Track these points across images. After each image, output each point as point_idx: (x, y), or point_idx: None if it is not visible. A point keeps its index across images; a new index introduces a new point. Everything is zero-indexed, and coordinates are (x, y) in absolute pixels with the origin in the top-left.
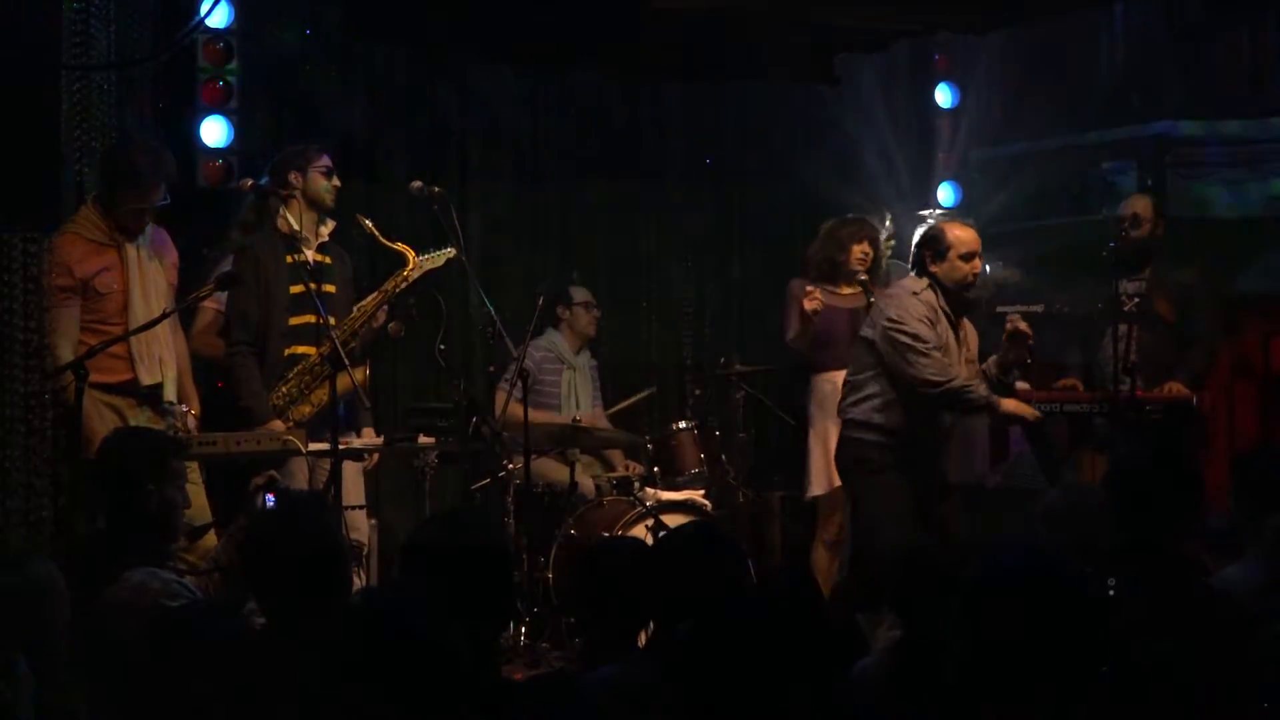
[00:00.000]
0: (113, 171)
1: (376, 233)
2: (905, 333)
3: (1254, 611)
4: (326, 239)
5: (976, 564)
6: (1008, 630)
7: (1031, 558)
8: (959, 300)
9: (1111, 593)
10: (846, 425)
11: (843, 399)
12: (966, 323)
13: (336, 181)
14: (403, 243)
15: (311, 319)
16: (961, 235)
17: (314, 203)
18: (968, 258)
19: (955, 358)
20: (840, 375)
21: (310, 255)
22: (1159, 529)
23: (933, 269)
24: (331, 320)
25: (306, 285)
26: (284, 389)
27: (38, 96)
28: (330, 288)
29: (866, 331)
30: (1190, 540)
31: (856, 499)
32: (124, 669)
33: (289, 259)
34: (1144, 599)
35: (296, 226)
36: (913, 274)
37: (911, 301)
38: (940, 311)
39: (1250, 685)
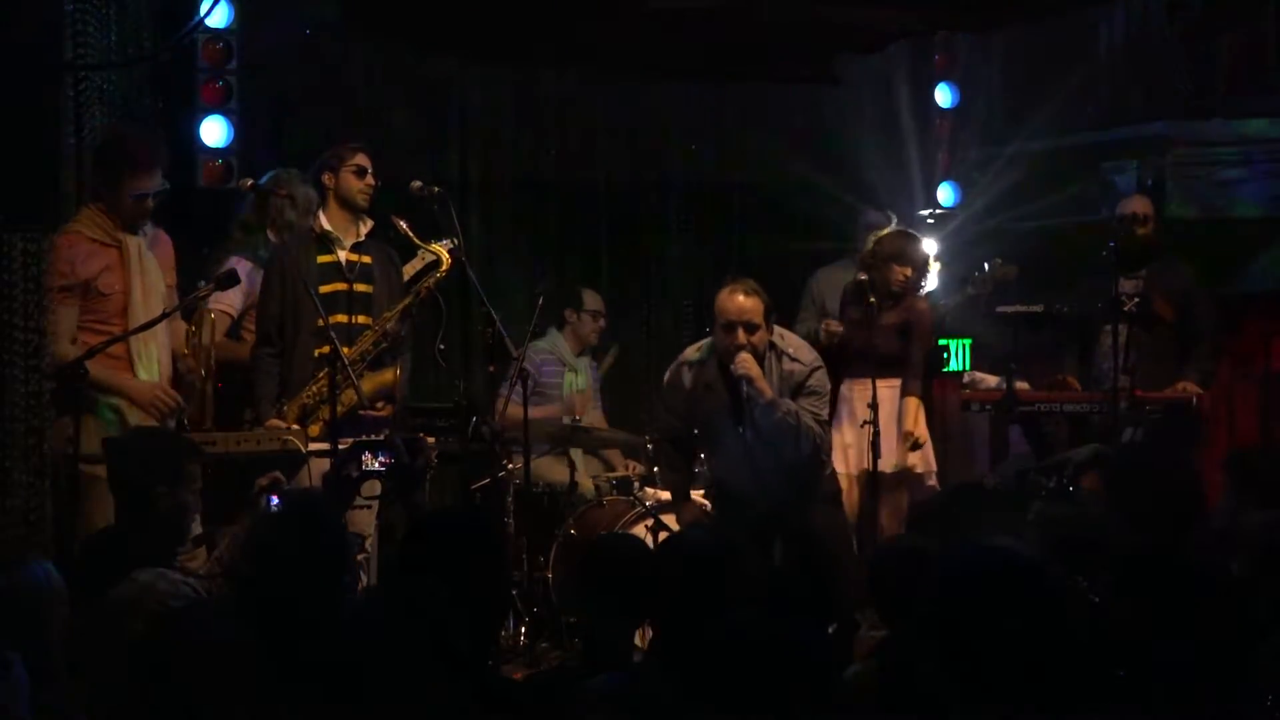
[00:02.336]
0: (111, 158)
1: (411, 234)
2: None
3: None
4: (363, 238)
5: (939, 565)
6: (971, 630)
7: (991, 557)
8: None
9: (1096, 599)
10: None
11: None
12: (772, 377)
13: (370, 180)
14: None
15: (344, 319)
16: (724, 304)
17: (346, 203)
18: (726, 329)
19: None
20: (863, 384)
21: (344, 255)
22: (1159, 531)
23: (713, 337)
24: (365, 319)
25: (350, 285)
26: (313, 388)
27: (38, 96)
28: (366, 287)
29: None
30: (1192, 541)
31: None
32: (128, 669)
33: (320, 259)
34: (1145, 601)
35: (329, 227)
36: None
37: (673, 367)
38: (702, 386)
39: (1250, 687)
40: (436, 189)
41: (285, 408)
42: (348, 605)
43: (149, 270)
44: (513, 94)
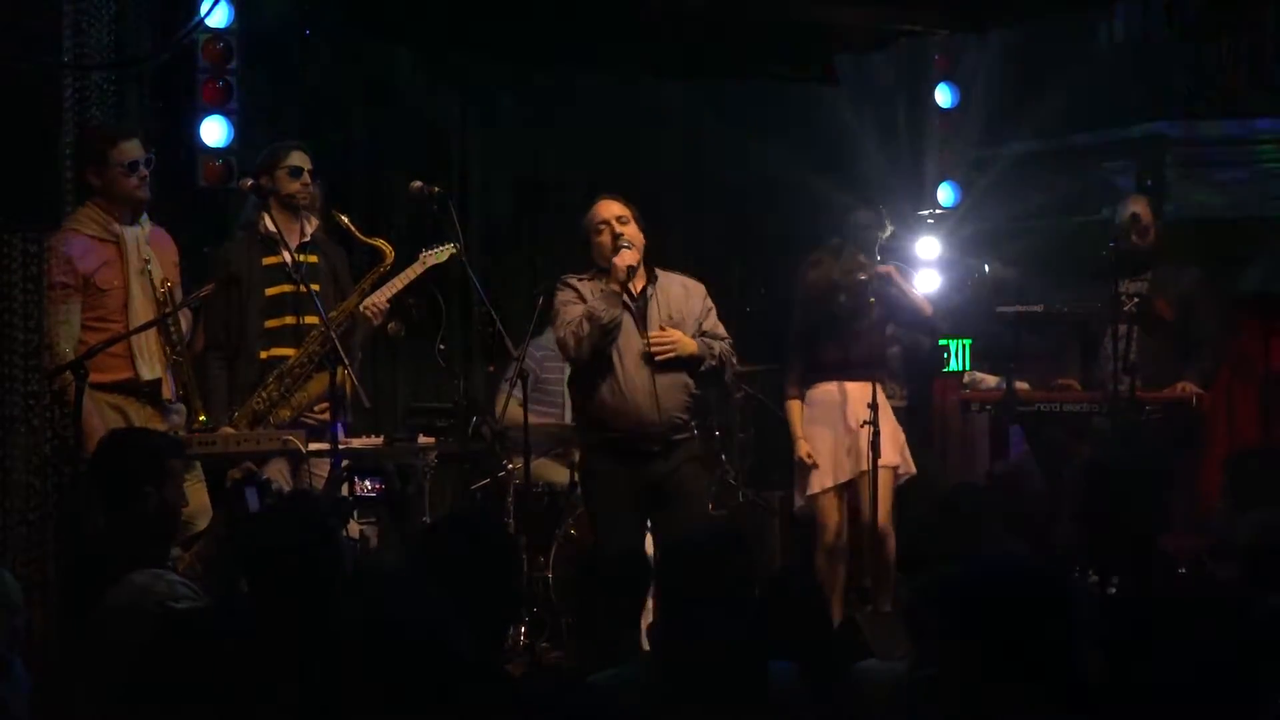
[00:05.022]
0: (88, 142)
1: (353, 228)
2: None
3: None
4: (307, 238)
5: (949, 571)
6: (982, 634)
7: (1001, 562)
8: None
9: (1113, 590)
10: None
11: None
12: (668, 296)
13: (306, 180)
14: (383, 238)
15: (291, 320)
16: (590, 214)
17: (285, 203)
18: (596, 231)
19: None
20: (830, 385)
21: (289, 256)
22: (1128, 527)
23: (594, 256)
24: (312, 319)
25: (300, 286)
26: (264, 393)
27: (38, 96)
28: (313, 286)
29: None
30: (1187, 538)
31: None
32: (127, 670)
33: (266, 261)
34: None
35: (273, 228)
36: None
37: (556, 295)
38: (593, 295)
39: (1238, 684)
40: (437, 189)
41: (236, 415)
42: (351, 604)
43: (151, 264)
44: (513, 94)
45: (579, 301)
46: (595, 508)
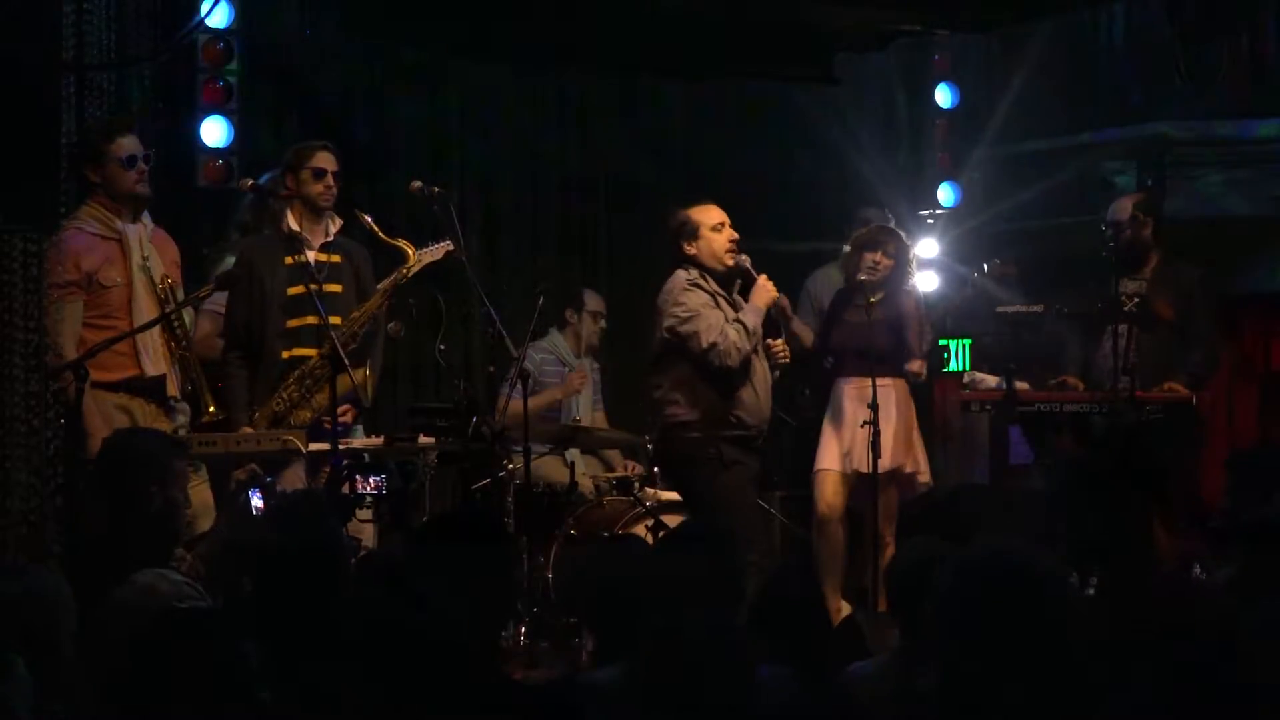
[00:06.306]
0: (85, 140)
1: (376, 229)
2: (681, 317)
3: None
4: (331, 238)
5: (946, 566)
6: (976, 631)
7: (997, 558)
8: (728, 279)
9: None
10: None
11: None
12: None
13: (329, 181)
14: (404, 239)
15: (313, 320)
16: (708, 211)
17: (308, 204)
18: (718, 228)
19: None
20: (863, 381)
21: (312, 256)
22: (1108, 532)
23: (690, 252)
24: (334, 320)
25: (307, 286)
26: (284, 394)
27: (38, 96)
28: (336, 287)
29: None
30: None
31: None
32: (132, 670)
33: (288, 260)
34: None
35: (296, 227)
36: (680, 270)
37: (689, 294)
38: (715, 296)
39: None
40: (437, 189)
41: (256, 415)
42: (349, 605)
43: (151, 262)
44: (513, 94)
45: (714, 305)
46: (731, 492)
